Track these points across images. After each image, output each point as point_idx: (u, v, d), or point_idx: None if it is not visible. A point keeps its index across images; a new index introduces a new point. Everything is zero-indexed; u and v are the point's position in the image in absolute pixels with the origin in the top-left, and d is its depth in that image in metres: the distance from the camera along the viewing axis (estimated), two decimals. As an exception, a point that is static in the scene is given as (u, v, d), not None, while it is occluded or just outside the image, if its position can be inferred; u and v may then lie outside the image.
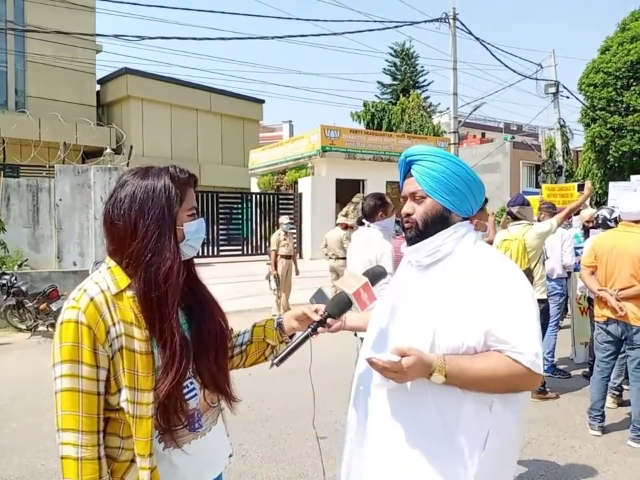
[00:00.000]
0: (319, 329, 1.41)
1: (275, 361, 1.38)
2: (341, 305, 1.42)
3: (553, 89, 20.13)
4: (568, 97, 23.24)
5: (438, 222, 1.49)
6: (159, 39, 13.16)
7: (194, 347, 1.38)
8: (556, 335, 5.84)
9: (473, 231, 1.53)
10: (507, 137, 28.81)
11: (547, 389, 4.99)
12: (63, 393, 1.23)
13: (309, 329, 1.41)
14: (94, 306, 1.25)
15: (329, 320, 1.42)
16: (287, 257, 9.32)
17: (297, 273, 9.60)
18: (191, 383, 1.37)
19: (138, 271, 1.30)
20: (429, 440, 1.38)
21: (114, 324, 1.26)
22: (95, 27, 24.25)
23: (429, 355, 1.35)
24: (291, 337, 1.54)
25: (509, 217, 5.19)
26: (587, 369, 5.66)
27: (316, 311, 1.44)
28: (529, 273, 4.79)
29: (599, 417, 4.20)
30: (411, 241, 1.52)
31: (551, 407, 4.62)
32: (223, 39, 15.04)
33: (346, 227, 9.06)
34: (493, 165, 31.28)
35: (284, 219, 9.73)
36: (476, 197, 1.52)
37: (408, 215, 1.52)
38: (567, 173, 23.02)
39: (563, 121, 21.50)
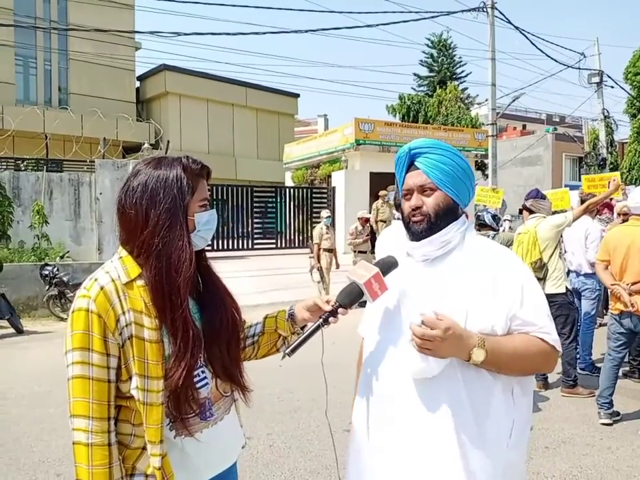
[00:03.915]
0: (330, 319, 1.40)
1: (286, 351, 1.37)
2: (352, 295, 1.40)
3: (596, 79, 19.45)
4: (613, 87, 22.47)
5: (448, 214, 1.48)
6: (194, 34, 13.29)
7: (205, 336, 1.38)
8: (592, 332, 5.67)
9: (470, 224, 1.56)
10: (549, 129, 27.91)
11: (579, 385, 4.88)
12: (74, 380, 1.25)
13: (320, 320, 1.41)
14: (104, 294, 1.27)
15: (340, 310, 1.41)
16: (329, 251, 9.39)
17: (337, 267, 9.63)
18: (202, 372, 1.38)
19: (149, 260, 1.31)
20: (461, 434, 1.36)
21: (124, 312, 1.27)
22: (134, 25, 24.72)
23: (469, 330, 1.34)
24: (302, 328, 1.53)
25: (526, 211, 5.10)
26: (627, 368, 5.47)
27: (327, 302, 1.43)
28: (542, 265, 4.72)
29: (606, 405, 4.26)
30: (422, 235, 1.47)
31: (587, 405, 4.48)
32: (256, 33, 15.26)
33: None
34: (533, 158, 30.43)
35: (324, 213, 9.75)
36: (470, 190, 1.53)
37: (418, 208, 1.48)
38: (611, 166, 22.21)
39: (607, 111, 20.77)
